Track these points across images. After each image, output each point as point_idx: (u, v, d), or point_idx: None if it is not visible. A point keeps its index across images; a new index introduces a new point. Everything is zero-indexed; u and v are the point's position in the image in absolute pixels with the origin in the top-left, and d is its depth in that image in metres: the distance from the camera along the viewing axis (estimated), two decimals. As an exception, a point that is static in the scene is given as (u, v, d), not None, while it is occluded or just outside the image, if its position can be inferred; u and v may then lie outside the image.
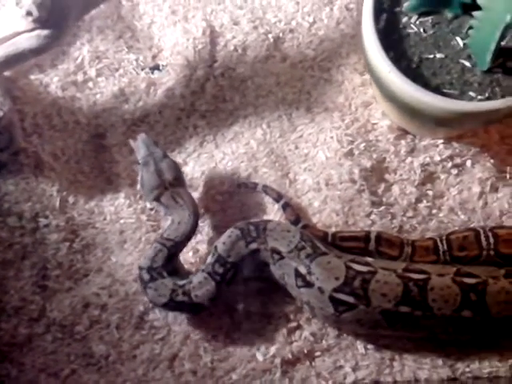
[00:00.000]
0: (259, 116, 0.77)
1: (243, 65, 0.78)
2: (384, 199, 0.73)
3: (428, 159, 0.74)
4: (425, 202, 0.73)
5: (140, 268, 0.66)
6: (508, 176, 0.74)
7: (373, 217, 0.72)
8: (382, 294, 0.60)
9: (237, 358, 0.67)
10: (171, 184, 0.68)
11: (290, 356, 0.67)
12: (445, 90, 0.60)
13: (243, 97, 0.78)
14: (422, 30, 0.63)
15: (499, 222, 0.72)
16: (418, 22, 0.63)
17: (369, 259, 0.66)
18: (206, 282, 0.64)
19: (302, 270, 0.63)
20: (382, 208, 0.73)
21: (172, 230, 0.68)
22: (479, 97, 0.60)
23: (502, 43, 0.61)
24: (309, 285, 0.63)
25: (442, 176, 0.74)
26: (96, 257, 0.71)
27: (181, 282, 0.64)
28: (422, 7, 0.60)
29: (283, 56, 0.79)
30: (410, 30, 0.62)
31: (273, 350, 0.67)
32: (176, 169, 0.70)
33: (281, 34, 0.80)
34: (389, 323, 0.61)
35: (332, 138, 0.74)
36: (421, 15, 0.63)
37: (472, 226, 0.72)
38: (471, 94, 0.60)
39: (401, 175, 0.74)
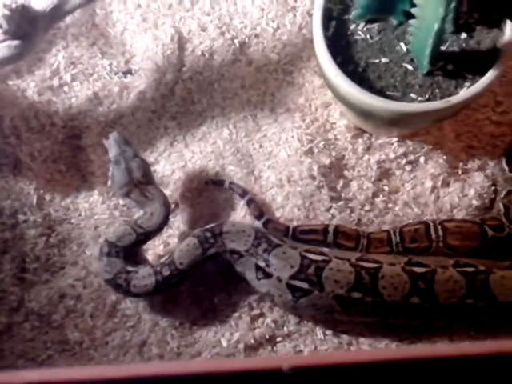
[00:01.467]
0: (226, 117, 0.82)
1: (210, 69, 0.83)
2: (343, 194, 0.78)
3: (383, 156, 0.79)
4: (381, 196, 0.78)
5: (105, 240, 0.71)
6: (460, 171, 0.79)
7: (332, 211, 0.77)
8: (334, 280, 0.65)
9: (202, 344, 0.72)
10: (140, 181, 0.73)
11: (252, 341, 0.72)
12: (388, 92, 0.65)
13: (211, 99, 0.83)
14: (368, 36, 0.68)
15: (450, 215, 0.77)
16: (365, 29, 0.68)
17: (325, 250, 0.71)
18: (148, 278, 0.68)
19: (261, 263, 0.68)
20: (341, 203, 0.77)
21: (145, 219, 0.73)
22: (420, 98, 0.65)
23: (443, 48, 0.67)
24: (268, 276, 0.68)
25: (397, 172, 0.79)
26: (71, 250, 0.76)
27: (130, 268, 0.69)
28: (368, 15, 0.65)
29: (249, 60, 0.84)
30: (358, 37, 0.67)
31: (236, 336, 0.72)
32: (145, 167, 0.74)
33: (246, 39, 0.85)
34: (343, 308, 0.66)
35: (293, 137, 0.79)
36: (368, 22, 0.67)
37: (425, 219, 0.77)
38: (413, 95, 0.65)
39: (358, 172, 0.79)
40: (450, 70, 0.65)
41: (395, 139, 0.79)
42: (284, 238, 0.74)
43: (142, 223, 0.72)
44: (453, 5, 0.61)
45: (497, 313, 0.66)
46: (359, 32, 0.67)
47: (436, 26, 0.55)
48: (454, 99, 0.62)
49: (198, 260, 0.69)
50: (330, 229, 0.74)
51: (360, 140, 0.79)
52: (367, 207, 0.78)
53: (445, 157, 0.79)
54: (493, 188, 0.78)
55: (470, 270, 0.66)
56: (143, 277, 0.69)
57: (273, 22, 0.85)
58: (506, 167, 0.77)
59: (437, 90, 0.65)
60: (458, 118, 0.83)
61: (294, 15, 0.85)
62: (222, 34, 0.84)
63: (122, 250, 0.71)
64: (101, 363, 0.71)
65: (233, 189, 0.78)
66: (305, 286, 0.65)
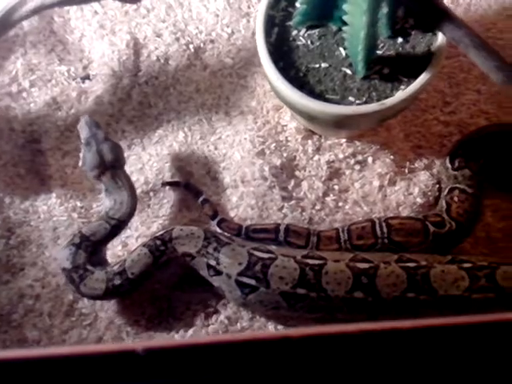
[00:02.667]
0: (181, 120, 0.84)
1: (166, 73, 0.86)
2: (294, 194, 0.81)
3: (333, 157, 0.81)
4: (331, 195, 0.81)
5: (79, 231, 0.74)
6: (407, 170, 0.82)
7: (284, 210, 0.80)
8: (280, 277, 0.68)
9: (156, 341, 0.75)
10: (111, 165, 0.75)
11: (205, 337, 0.75)
12: (328, 96, 0.68)
13: (166, 103, 0.85)
14: (309, 41, 0.70)
15: (397, 213, 0.80)
16: (306, 35, 0.70)
17: (273, 247, 0.74)
18: (99, 283, 0.70)
19: (212, 262, 0.70)
20: (293, 202, 0.80)
21: (116, 209, 0.75)
22: (357, 101, 0.67)
23: (379, 52, 0.69)
24: (219, 273, 0.70)
25: (347, 172, 0.82)
26: (31, 252, 0.79)
27: (88, 267, 0.71)
28: (308, 22, 0.68)
29: (204, 65, 0.87)
30: (299, 42, 0.70)
31: (190, 332, 0.75)
32: (117, 150, 0.76)
33: (202, 45, 0.88)
34: (288, 304, 0.68)
35: (246, 139, 0.82)
36: (309, 28, 0.70)
37: (373, 216, 0.80)
38: (351, 98, 0.68)
39: (309, 172, 0.81)
40: (386, 73, 0.68)
41: (344, 140, 0.82)
42: (235, 236, 0.77)
43: (114, 214, 0.75)
44: (385, 11, 0.64)
45: (438, 306, 0.68)
46: (300, 38, 0.70)
47: (362, 34, 0.58)
48: (389, 102, 0.65)
49: (150, 269, 0.71)
50: (281, 228, 0.77)
51: (310, 141, 0.82)
52: (318, 206, 0.80)
53: (392, 156, 0.82)
54: (437, 186, 0.81)
55: (412, 265, 0.68)
56: (96, 280, 0.71)
57: (227, 27, 0.88)
58: (449, 166, 0.79)
59: (374, 93, 0.68)
60: (408, 119, 0.87)
61: (248, 21, 0.88)
62: (177, 39, 0.87)
63: (92, 245, 0.74)
64: (57, 360, 0.73)
65: (188, 189, 0.81)
66: (252, 282, 0.68)
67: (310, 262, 0.69)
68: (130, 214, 0.75)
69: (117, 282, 0.71)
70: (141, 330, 0.75)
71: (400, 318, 0.73)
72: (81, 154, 0.77)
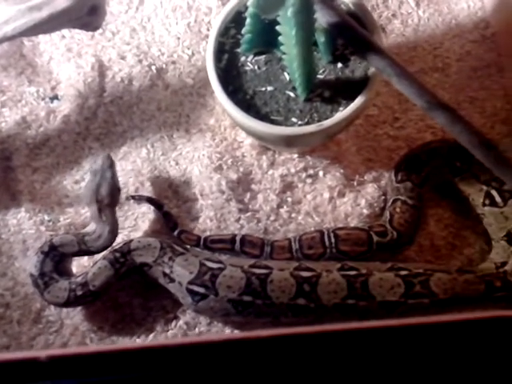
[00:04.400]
0: (144, 137, 0.90)
1: (129, 93, 0.91)
2: (250, 206, 0.87)
3: (286, 171, 0.87)
4: (285, 207, 0.86)
5: (50, 240, 0.79)
6: (356, 183, 0.88)
7: (241, 221, 0.86)
8: (227, 285, 0.74)
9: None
10: (103, 201, 0.81)
11: (165, 342, 0.80)
12: (272, 117, 0.73)
13: (130, 121, 0.91)
14: (256, 67, 0.76)
15: (345, 223, 0.86)
16: (253, 61, 0.76)
17: (223, 258, 0.80)
18: (62, 292, 0.76)
19: (167, 270, 0.77)
20: (249, 214, 0.86)
21: (92, 239, 0.81)
22: (300, 122, 0.73)
23: (321, 76, 0.75)
24: (172, 281, 0.76)
25: (299, 185, 0.87)
26: (2, 263, 0.84)
27: (54, 275, 0.77)
28: (254, 49, 0.74)
29: (165, 84, 0.92)
30: (247, 67, 0.76)
31: (150, 337, 0.81)
32: (114, 192, 0.82)
33: (164, 66, 0.93)
34: (237, 310, 0.74)
35: (204, 155, 0.88)
36: (256, 54, 0.76)
37: (323, 227, 0.85)
38: (294, 119, 0.74)
39: (264, 185, 0.87)
40: (327, 96, 0.74)
41: (296, 155, 0.88)
42: (194, 247, 0.82)
43: (88, 241, 0.80)
44: (322, 40, 0.70)
45: (376, 311, 0.74)
46: (248, 63, 0.76)
47: (295, 64, 0.64)
48: (326, 123, 0.71)
49: (111, 280, 0.77)
50: (237, 238, 0.83)
51: (264, 157, 0.88)
52: (273, 217, 0.86)
53: (342, 170, 0.88)
54: (383, 198, 0.87)
55: (353, 273, 0.74)
56: (59, 288, 0.77)
57: (188, 49, 0.94)
58: (393, 178, 0.85)
59: (315, 115, 0.74)
60: (360, 134, 0.93)
61: (207, 43, 0.93)
62: (140, 61, 0.93)
63: (59, 256, 0.80)
64: (25, 365, 0.78)
65: (151, 203, 0.86)
66: (201, 290, 0.74)
67: (257, 271, 0.75)
68: (103, 248, 0.81)
69: (78, 292, 0.77)
70: (104, 335, 0.81)
71: (344, 321, 0.79)
72: (85, 180, 0.85)
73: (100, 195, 0.81)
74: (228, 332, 0.81)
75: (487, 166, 0.63)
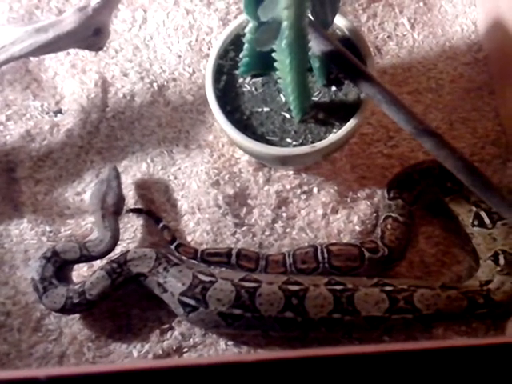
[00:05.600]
0: (144, 152, 0.94)
1: (131, 109, 0.95)
2: (246, 221, 0.90)
3: (281, 187, 0.91)
4: (280, 222, 0.90)
5: (53, 247, 0.83)
6: (349, 200, 0.91)
7: (237, 235, 0.89)
8: (217, 299, 0.77)
9: (115, 355, 0.83)
10: (108, 209, 0.85)
11: (160, 352, 0.83)
12: (268, 138, 0.77)
13: (131, 136, 0.94)
14: (253, 88, 0.80)
15: (338, 239, 0.89)
16: (251, 82, 0.80)
17: (216, 271, 0.83)
18: (59, 298, 0.80)
19: (161, 280, 0.80)
20: (245, 228, 0.89)
21: (93, 244, 0.84)
22: (294, 143, 0.77)
23: (315, 98, 0.79)
24: (165, 291, 0.79)
25: (294, 200, 0.91)
26: (4, 272, 0.87)
27: (54, 281, 0.81)
28: (251, 71, 0.77)
29: (166, 101, 0.96)
30: (245, 89, 0.79)
31: (146, 347, 0.84)
32: (119, 201, 0.86)
33: (165, 83, 0.97)
34: (226, 323, 0.77)
35: (202, 170, 0.91)
36: (254, 76, 0.79)
37: (317, 242, 0.88)
38: (288, 140, 0.77)
39: (260, 200, 0.91)
40: (321, 118, 0.78)
41: (291, 172, 0.91)
42: (191, 259, 0.86)
43: (89, 247, 0.84)
44: (317, 65, 0.73)
45: (361, 325, 0.77)
46: (246, 85, 0.79)
47: (290, 88, 0.67)
48: (319, 144, 0.74)
49: (107, 290, 0.80)
50: (233, 252, 0.86)
51: (261, 173, 0.91)
52: (268, 232, 0.89)
53: (336, 187, 0.91)
54: (375, 215, 0.90)
55: (339, 287, 0.77)
56: (57, 294, 0.80)
57: (189, 67, 0.98)
58: (386, 195, 0.88)
59: (309, 136, 0.77)
60: (354, 152, 0.96)
61: (207, 63, 0.97)
62: (142, 78, 0.96)
63: (60, 262, 0.83)
64: (24, 372, 0.81)
65: (149, 216, 0.90)
66: (192, 302, 0.77)
67: (246, 284, 0.78)
68: (104, 254, 0.84)
69: (75, 300, 0.80)
70: (101, 345, 0.84)
71: (331, 334, 0.81)
72: (93, 187, 0.89)
73: (106, 203, 0.85)
74: (222, 344, 0.84)
75: (472, 189, 0.66)
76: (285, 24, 0.59)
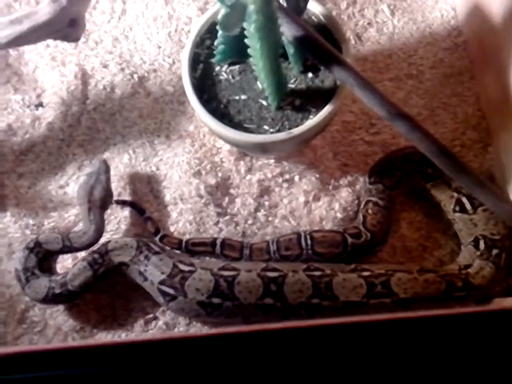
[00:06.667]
0: (126, 143, 0.94)
1: (112, 101, 0.96)
2: (228, 210, 0.91)
3: (263, 176, 0.91)
4: (262, 211, 0.90)
5: (36, 238, 0.84)
6: (331, 187, 0.92)
7: (220, 225, 0.90)
8: (196, 288, 0.78)
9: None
10: (94, 202, 0.85)
11: (145, 341, 0.84)
12: (245, 125, 0.78)
13: (113, 127, 0.95)
14: (230, 76, 0.80)
15: (320, 226, 0.90)
16: (228, 70, 0.80)
17: (196, 261, 0.84)
18: (41, 289, 0.81)
19: (142, 269, 0.81)
20: (227, 217, 0.90)
21: (76, 236, 0.85)
22: (271, 130, 0.77)
23: (292, 85, 0.79)
24: (146, 279, 0.81)
25: (276, 189, 0.91)
26: (-13, 266, 0.88)
27: (36, 271, 0.82)
28: (227, 59, 0.78)
29: (147, 92, 0.97)
30: (222, 77, 0.80)
31: (131, 337, 0.84)
32: (106, 195, 0.87)
33: (145, 74, 0.98)
34: (206, 312, 0.78)
35: (183, 161, 0.92)
36: (230, 64, 0.80)
37: (300, 229, 0.89)
38: (266, 127, 0.78)
39: (242, 190, 0.91)
40: (297, 104, 0.78)
41: (273, 161, 0.92)
42: (176, 250, 0.86)
43: (72, 238, 0.85)
44: (292, 51, 0.74)
45: (340, 311, 0.78)
46: (223, 73, 0.80)
47: (263, 75, 0.67)
48: (296, 131, 0.75)
49: (90, 281, 0.81)
50: (218, 241, 0.87)
51: (242, 162, 0.92)
52: (250, 221, 0.90)
53: (318, 175, 0.92)
54: (357, 202, 0.91)
55: (317, 273, 0.78)
56: (39, 285, 0.81)
57: (169, 57, 0.99)
58: (367, 180, 0.89)
59: (286, 123, 0.78)
60: (336, 139, 0.97)
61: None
62: (123, 69, 0.97)
63: (43, 253, 0.84)
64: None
65: (133, 207, 0.90)
66: (171, 291, 0.78)
67: (225, 273, 0.79)
68: (86, 246, 0.85)
69: (57, 290, 0.81)
70: (86, 335, 0.85)
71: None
72: (80, 181, 0.90)
73: (92, 196, 0.86)
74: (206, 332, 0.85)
75: (446, 172, 0.67)
76: (251, 8, 0.59)
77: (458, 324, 0.60)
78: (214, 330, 0.74)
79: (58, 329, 0.85)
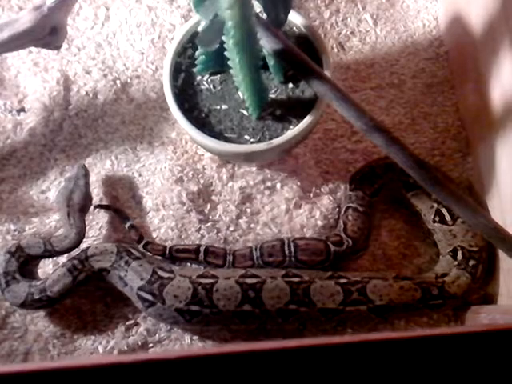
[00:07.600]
0: (108, 149, 0.95)
1: (94, 107, 0.97)
2: (210, 217, 0.92)
3: (245, 183, 0.93)
4: (244, 218, 0.92)
5: (19, 241, 0.85)
6: (312, 195, 0.93)
7: (202, 231, 0.91)
8: (174, 295, 0.79)
9: (81, 351, 0.85)
10: (73, 207, 0.86)
11: (126, 348, 0.85)
12: (226, 135, 0.79)
13: (95, 133, 0.96)
14: (212, 86, 0.82)
15: (301, 234, 0.91)
16: (209, 80, 0.82)
17: (176, 267, 0.85)
18: (20, 294, 0.82)
19: (122, 274, 0.82)
20: (209, 224, 0.91)
21: (58, 240, 0.86)
22: (252, 139, 0.79)
23: (273, 96, 0.81)
24: (126, 285, 0.82)
25: (258, 196, 0.93)
26: (-32, 271, 0.89)
27: (16, 276, 0.82)
28: (208, 69, 0.79)
29: (130, 98, 0.98)
30: (203, 86, 0.81)
31: (112, 343, 0.85)
32: (85, 199, 0.88)
33: (128, 80, 0.99)
34: (185, 319, 0.79)
35: (166, 167, 0.93)
36: (212, 74, 0.81)
37: (282, 237, 0.90)
38: (246, 137, 0.79)
39: (224, 196, 0.93)
40: (278, 114, 0.80)
41: (255, 168, 0.93)
42: (160, 257, 0.87)
43: (53, 242, 0.86)
44: (272, 63, 0.75)
45: (316, 317, 0.79)
46: (204, 82, 0.81)
47: (242, 86, 0.68)
48: (276, 141, 0.76)
49: (69, 287, 0.82)
50: (201, 248, 0.88)
51: (224, 169, 0.93)
52: (232, 227, 0.91)
53: (299, 182, 0.94)
54: (337, 209, 0.92)
55: (296, 280, 0.80)
56: (19, 289, 0.82)
57: (152, 64, 1.00)
58: (348, 187, 0.91)
59: (267, 132, 0.79)
60: (318, 147, 0.98)
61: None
62: (105, 75, 0.98)
63: (24, 257, 0.85)
64: (-11, 370, 0.83)
65: (116, 214, 0.91)
66: (149, 297, 0.79)
67: (203, 280, 0.80)
68: (68, 250, 0.86)
69: (36, 296, 0.82)
70: (66, 341, 0.86)
71: (287, 325, 0.83)
72: (61, 184, 0.91)
73: (72, 201, 0.87)
74: (187, 339, 0.86)
75: (421, 184, 0.68)
76: (230, 24, 0.60)
77: (444, 344, 0.61)
78: (202, 350, 0.74)
79: (38, 335, 0.85)
